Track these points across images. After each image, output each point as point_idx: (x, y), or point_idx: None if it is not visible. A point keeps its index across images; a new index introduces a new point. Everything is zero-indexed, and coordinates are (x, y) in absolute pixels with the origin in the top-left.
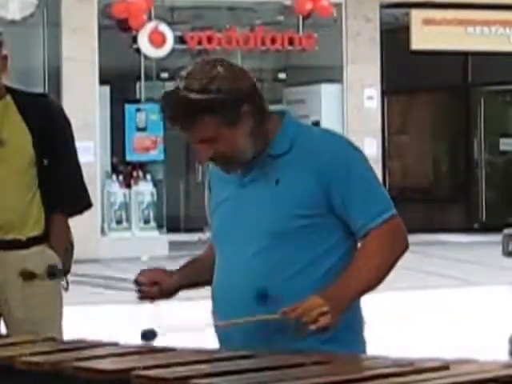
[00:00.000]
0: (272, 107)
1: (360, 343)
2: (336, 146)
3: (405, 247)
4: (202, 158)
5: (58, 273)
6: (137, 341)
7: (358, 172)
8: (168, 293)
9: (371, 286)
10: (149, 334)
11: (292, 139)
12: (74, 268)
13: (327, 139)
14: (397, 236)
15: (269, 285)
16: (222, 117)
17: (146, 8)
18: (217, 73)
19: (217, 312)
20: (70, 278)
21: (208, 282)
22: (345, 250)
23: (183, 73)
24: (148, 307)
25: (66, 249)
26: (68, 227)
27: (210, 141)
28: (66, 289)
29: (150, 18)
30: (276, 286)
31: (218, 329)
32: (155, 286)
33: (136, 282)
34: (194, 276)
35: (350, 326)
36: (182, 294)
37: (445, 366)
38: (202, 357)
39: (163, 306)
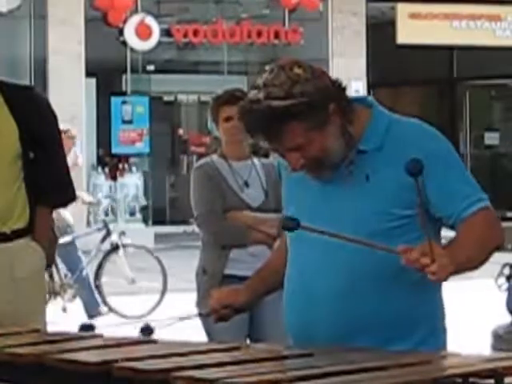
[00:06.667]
0: (354, 96)
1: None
2: (428, 140)
3: (500, 240)
4: (295, 167)
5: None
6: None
7: (452, 163)
8: (240, 311)
9: (470, 265)
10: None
11: (384, 134)
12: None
13: (418, 133)
14: (493, 226)
15: (359, 285)
16: (310, 121)
17: (130, 3)
18: (297, 76)
19: (292, 309)
20: None
21: (278, 286)
22: None
23: (259, 82)
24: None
25: (50, 241)
26: (52, 220)
27: (299, 148)
28: None
29: (136, 11)
30: (365, 288)
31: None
32: (227, 309)
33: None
34: (262, 287)
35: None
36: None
37: (427, 360)
38: (185, 349)
39: None
